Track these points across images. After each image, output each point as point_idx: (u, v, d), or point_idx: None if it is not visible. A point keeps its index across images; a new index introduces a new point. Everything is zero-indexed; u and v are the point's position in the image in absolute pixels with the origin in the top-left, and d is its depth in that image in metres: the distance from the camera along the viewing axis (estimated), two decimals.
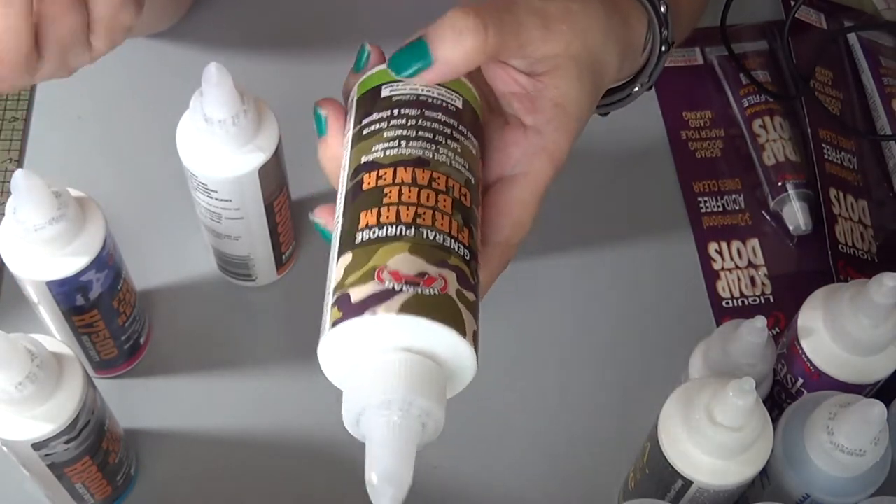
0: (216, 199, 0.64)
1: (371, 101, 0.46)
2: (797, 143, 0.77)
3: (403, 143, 0.44)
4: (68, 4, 0.50)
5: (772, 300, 0.73)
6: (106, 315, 0.63)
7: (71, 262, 0.58)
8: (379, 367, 0.40)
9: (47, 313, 0.62)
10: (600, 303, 0.73)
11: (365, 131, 0.45)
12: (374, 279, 0.40)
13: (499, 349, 0.71)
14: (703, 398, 0.55)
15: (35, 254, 0.58)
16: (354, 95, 0.48)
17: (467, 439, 0.68)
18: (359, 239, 0.41)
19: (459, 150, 0.44)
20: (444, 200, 0.42)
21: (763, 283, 0.74)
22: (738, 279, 0.74)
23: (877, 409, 0.53)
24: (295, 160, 0.73)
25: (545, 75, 0.47)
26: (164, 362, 0.70)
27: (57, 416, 0.54)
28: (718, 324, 0.72)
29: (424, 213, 0.41)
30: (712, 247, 0.75)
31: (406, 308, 0.39)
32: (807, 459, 0.56)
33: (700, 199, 0.77)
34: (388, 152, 0.44)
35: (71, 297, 0.60)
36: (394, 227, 0.41)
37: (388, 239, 0.41)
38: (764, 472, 0.58)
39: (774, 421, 0.57)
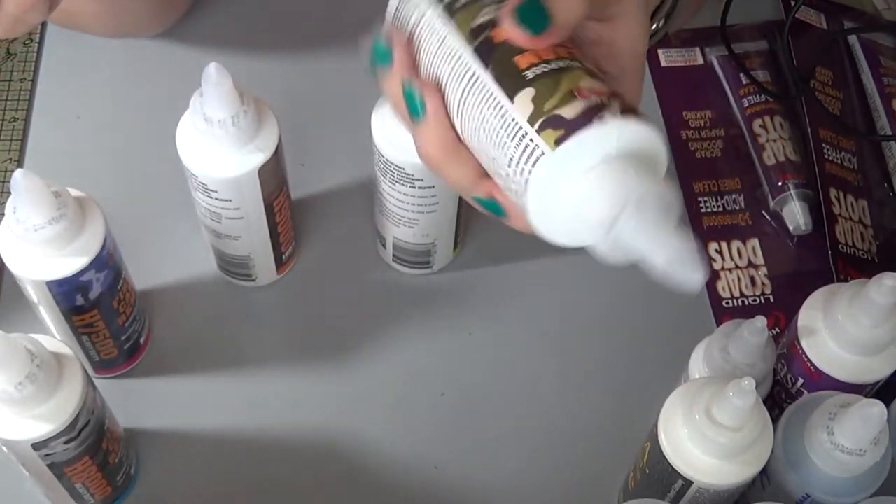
0: (216, 199, 0.64)
1: None
2: (797, 143, 0.77)
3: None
4: None
5: (772, 300, 0.73)
6: (106, 315, 0.63)
7: (71, 262, 0.58)
8: (619, 171, 0.41)
9: (47, 313, 0.62)
10: (600, 303, 0.73)
11: (456, 6, 0.45)
12: (577, 98, 0.41)
13: (499, 349, 0.71)
14: (703, 398, 0.55)
15: (35, 254, 0.58)
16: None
17: (468, 439, 0.68)
18: (530, 75, 0.42)
19: None
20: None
21: (763, 283, 0.74)
22: (738, 279, 0.74)
23: (877, 409, 0.53)
24: (295, 160, 0.73)
25: (616, 20, 0.47)
26: (164, 362, 0.70)
27: (57, 416, 0.54)
28: (718, 324, 0.72)
29: (572, 49, 0.44)
30: (712, 247, 0.75)
31: (626, 112, 0.41)
32: (807, 459, 0.56)
33: (700, 199, 0.77)
34: (498, 11, 0.44)
35: (71, 297, 0.60)
36: (560, 60, 0.42)
37: (564, 70, 0.42)
38: (764, 473, 0.58)
39: (774, 421, 0.57)
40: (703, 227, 0.76)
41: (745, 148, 0.79)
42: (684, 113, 0.80)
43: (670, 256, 0.39)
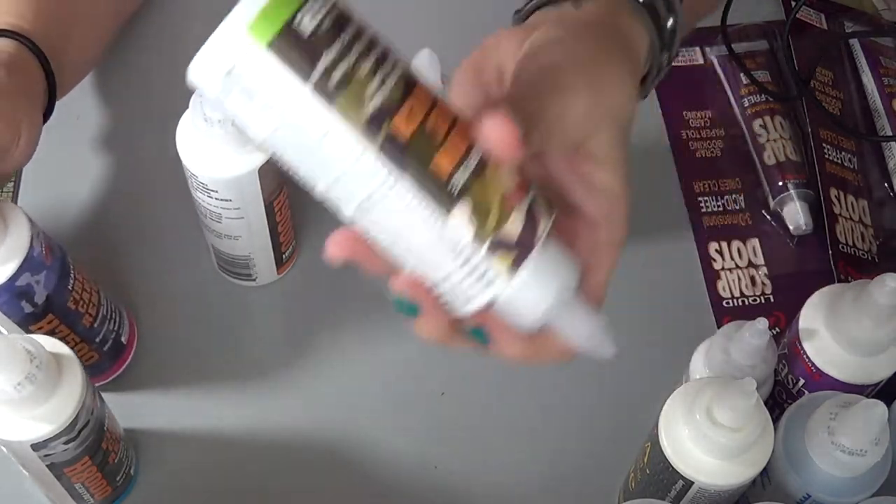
0: (216, 199, 0.63)
1: (298, 46, 0.36)
2: (798, 143, 0.77)
3: (386, 64, 0.38)
4: None
5: (772, 300, 0.73)
6: (66, 318, 0.61)
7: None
8: (549, 265, 0.41)
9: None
10: None
11: (330, 86, 0.36)
12: (511, 205, 0.39)
13: None
14: (704, 399, 0.55)
15: None
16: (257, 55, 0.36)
17: (467, 439, 0.68)
18: (459, 184, 0.38)
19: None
20: (445, 108, 0.39)
21: (763, 283, 0.74)
22: (739, 279, 0.74)
23: (878, 409, 0.53)
24: None
25: (591, 162, 0.45)
26: (164, 362, 0.70)
27: (56, 416, 0.54)
28: (719, 323, 0.72)
29: (465, 125, 0.39)
30: (712, 246, 0.75)
31: (548, 216, 0.41)
32: (808, 459, 0.56)
33: (700, 198, 0.77)
34: (385, 86, 0.37)
35: (15, 305, 0.58)
36: (471, 155, 0.39)
37: (483, 167, 0.39)
38: (765, 473, 0.58)
39: (775, 421, 0.57)
40: (703, 227, 0.76)
41: (745, 148, 0.78)
42: (684, 113, 0.80)
43: (589, 339, 0.43)
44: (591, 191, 0.44)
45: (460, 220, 0.39)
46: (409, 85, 0.38)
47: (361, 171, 0.38)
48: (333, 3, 0.37)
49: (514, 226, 0.39)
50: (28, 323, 0.60)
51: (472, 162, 0.39)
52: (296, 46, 0.36)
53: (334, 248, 0.41)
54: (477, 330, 0.43)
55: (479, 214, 0.39)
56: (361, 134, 0.37)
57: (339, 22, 0.37)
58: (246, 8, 0.36)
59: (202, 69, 0.37)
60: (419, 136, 0.38)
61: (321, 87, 0.36)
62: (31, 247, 0.57)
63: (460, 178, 0.38)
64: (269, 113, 0.37)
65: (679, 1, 0.50)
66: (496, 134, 0.38)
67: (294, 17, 0.36)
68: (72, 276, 0.61)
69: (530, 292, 0.41)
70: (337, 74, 0.36)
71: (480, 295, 0.40)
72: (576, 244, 0.44)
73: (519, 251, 0.40)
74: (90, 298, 0.63)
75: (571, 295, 0.42)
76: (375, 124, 0.37)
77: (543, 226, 0.40)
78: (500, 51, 0.45)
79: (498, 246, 0.39)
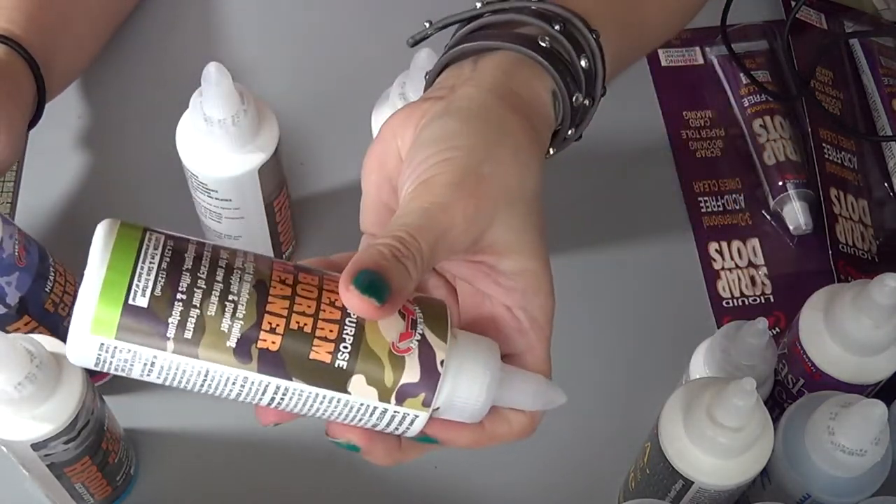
0: (216, 199, 0.63)
1: (143, 320, 0.37)
2: (797, 143, 0.77)
3: (233, 286, 0.38)
4: None
5: (772, 300, 0.73)
6: (42, 318, 0.60)
7: None
8: (465, 366, 0.42)
9: None
10: (600, 302, 0.73)
11: (188, 336, 0.38)
12: (400, 354, 0.40)
13: None
14: (704, 398, 0.55)
15: None
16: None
17: None
18: (344, 364, 0.39)
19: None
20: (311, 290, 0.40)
21: (763, 283, 0.74)
22: (739, 279, 0.74)
23: (878, 409, 0.53)
24: (295, 160, 0.73)
25: (490, 253, 0.43)
26: None
27: (56, 416, 0.54)
28: (719, 323, 0.72)
29: (332, 292, 0.40)
30: (712, 246, 0.75)
31: (433, 319, 0.41)
32: (808, 459, 0.56)
33: (700, 198, 0.77)
34: (238, 313, 0.38)
35: None
36: (346, 324, 0.39)
37: (361, 335, 0.39)
38: (765, 472, 0.58)
39: (775, 421, 0.57)
40: (703, 227, 0.76)
41: (745, 148, 0.79)
42: (684, 113, 0.80)
43: (536, 400, 0.44)
44: (498, 280, 0.44)
45: (360, 392, 0.40)
46: (262, 292, 0.39)
47: (252, 388, 0.39)
48: (158, 262, 0.38)
49: (411, 372, 0.40)
50: (4, 323, 0.59)
51: (349, 331, 0.40)
52: (141, 321, 0.37)
53: (263, 415, 0.42)
54: (424, 437, 0.43)
55: (375, 379, 0.40)
56: (235, 366, 0.39)
57: (173, 274, 0.38)
58: (83, 307, 0.37)
59: (74, 358, 0.39)
60: (290, 339, 0.39)
61: (180, 346, 0.38)
62: (1, 248, 0.56)
63: (344, 354, 0.39)
64: (150, 375, 0.39)
65: (594, 39, 0.48)
66: (355, 306, 0.38)
67: (128, 296, 0.37)
68: (51, 278, 0.60)
69: (458, 401, 0.41)
70: (189, 326, 0.38)
71: (410, 429, 0.41)
72: (500, 331, 0.44)
73: (426, 387, 0.40)
74: (73, 301, 0.61)
75: (499, 374, 0.42)
76: (244, 352, 0.38)
77: (440, 350, 0.41)
78: (398, 140, 0.45)
79: (405, 395, 0.40)
